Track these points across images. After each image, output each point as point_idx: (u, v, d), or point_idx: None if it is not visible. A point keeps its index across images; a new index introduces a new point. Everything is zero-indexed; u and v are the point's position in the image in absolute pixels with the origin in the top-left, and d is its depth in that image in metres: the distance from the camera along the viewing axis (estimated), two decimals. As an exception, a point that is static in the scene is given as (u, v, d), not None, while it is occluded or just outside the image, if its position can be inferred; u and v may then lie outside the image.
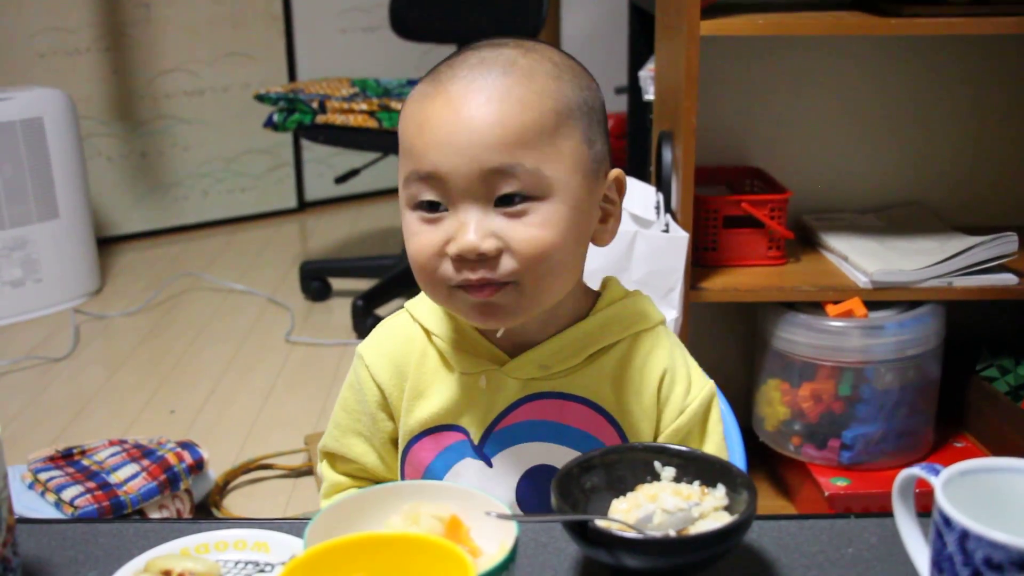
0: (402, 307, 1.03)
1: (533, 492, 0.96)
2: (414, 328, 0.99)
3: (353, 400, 1.02)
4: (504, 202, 0.86)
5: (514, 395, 0.95)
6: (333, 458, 1.04)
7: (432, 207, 0.87)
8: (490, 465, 0.96)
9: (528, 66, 0.88)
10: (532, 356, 0.94)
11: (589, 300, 0.99)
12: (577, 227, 0.89)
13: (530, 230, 0.86)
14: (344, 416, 1.03)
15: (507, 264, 0.86)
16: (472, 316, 0.90)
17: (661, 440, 0.97)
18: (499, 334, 0.94)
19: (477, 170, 0.85)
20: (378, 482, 0.98)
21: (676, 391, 0.97)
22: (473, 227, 0.85)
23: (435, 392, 0.97)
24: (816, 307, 1.88)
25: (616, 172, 0.94)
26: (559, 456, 0.95)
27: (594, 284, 1.02)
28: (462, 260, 0.86)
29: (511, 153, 0.85)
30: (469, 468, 0.97)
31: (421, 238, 0.88)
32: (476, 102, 0.85)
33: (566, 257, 0.89)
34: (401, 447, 1.00)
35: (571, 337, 0.95)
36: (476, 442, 0.96)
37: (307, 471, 2.24)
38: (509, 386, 0.95)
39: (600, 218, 0.94)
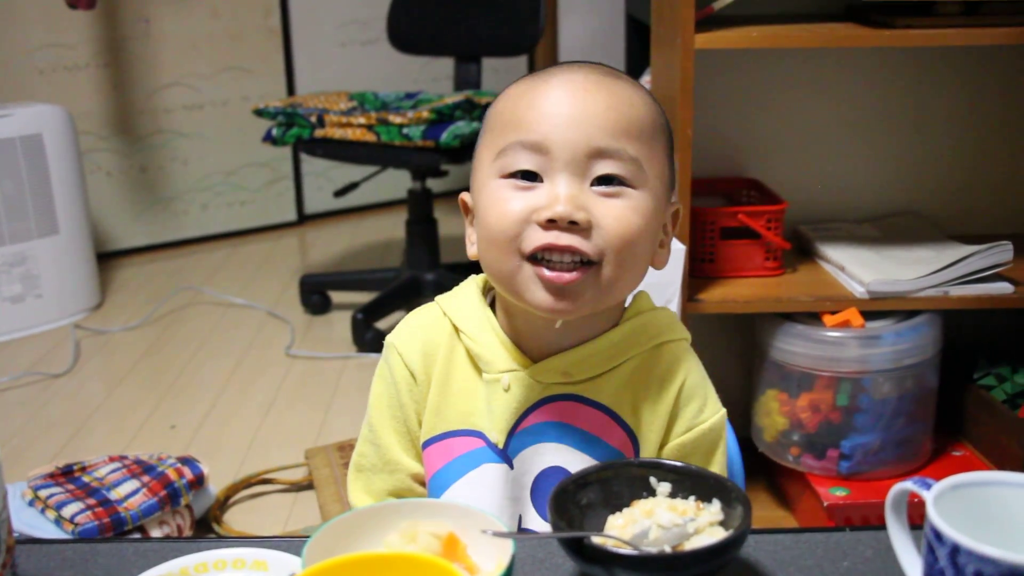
0: (432, 301, 1.03)
1: (545, 492, 0.96)
2: (444, 322, 1.00)
3: (386, 394, 1.01)
4: (601, 182, 0.89)
5: (535, 397, 0.96)
6: (369, 475, 1.02)
7: (528, 176, 0.89)
8: (512, 467, 0.97)
9: (631, 82, 0.95)
10: (557, 363, 0.95)
11: (618, 312, 0.99)
12: (655, 228, 0.93)
13: (621, 211, 0.89)
14: (379, 415, 1.02)
15: (596, 240, 0.88)
16: (539, 296, 0.90)
17: (664, 453, 0.97)
18: (557, 324, 0.93)
19: (585, 145, 0.88)
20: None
21: (690, 407, 0.97)
22: (567, 197, 0.87)
23: (460, 391, 0.98)
24: (813, 317, 1.89)
25: (677, 204, 0.99)
26: (570, 458, 0.96)
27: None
28: (550, 225, 0.87)
29: (618, 138, 0.89)
30: (488, 474, 0.97)
31: (510, 204, 0.89)
32: (590, 89, 0.91)
33: (644, 250, 0.92)
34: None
35: (598, 347, 0.96)
36: (500, 446, 0.97)
37: (308, 486, 2.25)
38: (532, 388, 0.96)
39: (660, 240, 0.97)
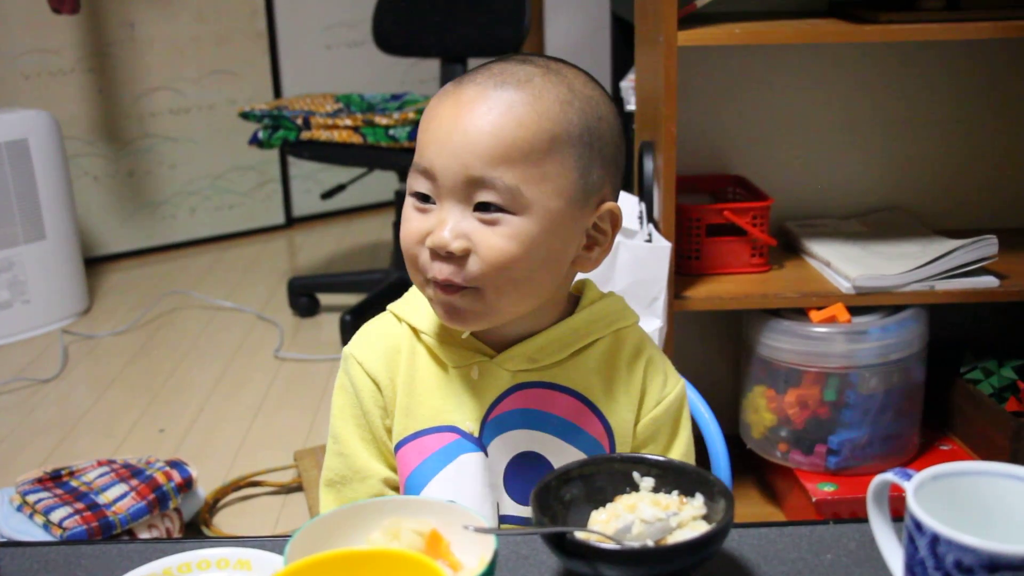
0: (384, 310, 1.05)
1: (519, 478, 0.99)
2: (400, 327, 1.03)
3: (348, 404, 1.03)
4: (480, 208, 0.90)
5: (504, 384, 0.98)
6: (340, 488, 1.03)
7: (424, 199, 0.92)
8: (486, 454, 0.98)
9: (541, 86, 0.92)
10: (521, 350, 0.98)
11: (571, 302, 1.03)
12: (548, 248, 0.92)
13: (497, 239, 0.90)
14: (343, 426, 1.03)
15: (472, 267, 0.90)
16: (439, 313, 0.95)
17: (638, 430, 1.01)
18: (464, 335, 0.98)
19: (462, 174, 0.89)
20: None
21: (656, 381, 1.02)
22: (449, 226, 0.90)
23: (429, 389, 1.00)
24: (800, 313, 1.89)
25: (610, 205, 0.97)
26: (545, 443, 0.98)
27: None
28: (435, 254, 0.91)
29: (494, 167, 0.89)
30: (466, 464, 0.98)
31: (411, 224, 0.93)
32: (478, 111, 0.90)
33: (530, 273, 0.92)
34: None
35: (558, 333, 0.99)
36: (476, 434, 0.98)
37: (297, 487, 2.25)
38: (500, 376, 0.98)
39: (585, 245, 0.97)
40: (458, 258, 0.90)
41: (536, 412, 0.98)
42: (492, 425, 0.98)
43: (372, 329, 1.05)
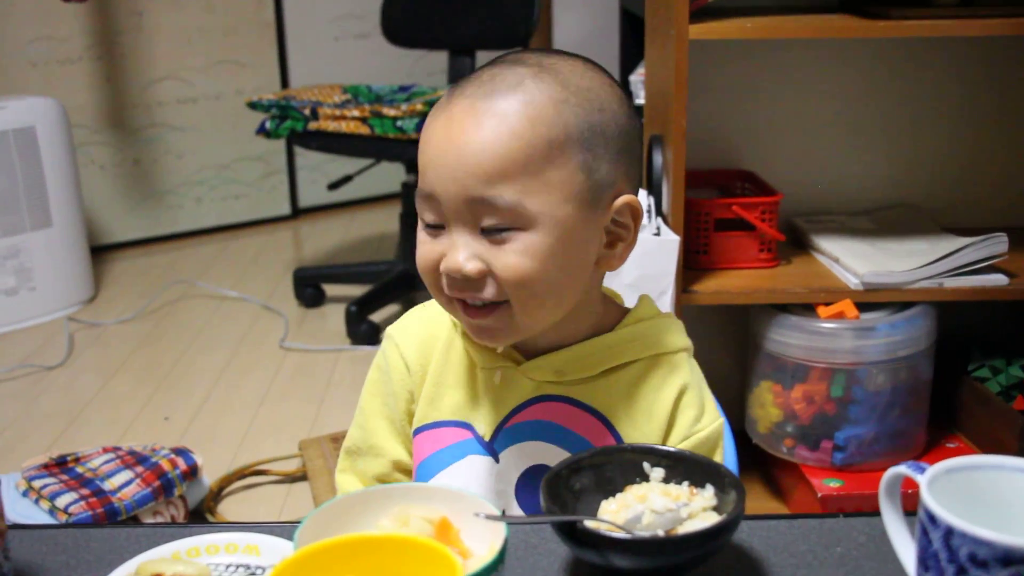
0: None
1: (530, 490, 0.98)
2: (444, 316, 1.01)
3: (380, 382, 1.04)
4: (487, 230, 0.88)
5: (527, 394, 0.97)
6: (355, 458, 1.05)
7: (433, 223, 0.90)
8: (497, 460, 0.98)
9: (533, 89, 0.88)
10: (549, 360, 0.96)
11: (613, 314, 0.99)
12: (565, 256, 0.89)
13: (511, 257, 0.87)
14: (370, 401, 1.04)
15: (491, 287, 0.89)
16: (470, 332, 0.94)
17: None
18: (499, 350, 0.97)
19: (464, 196, 0.87)
20: None
21: (686, 415, 0.97)
22: (460, 250, 0.88)
23: (456, 383, 1.00)
24: (808, 309, 1.89)
25: (627, 198, 0.92)
26: (560, 458, 0.95)
27: (627, 296, 1.04)
28: (451, 278, 0.89)
29: (492, 185, 0.86)
30: (474, 465, 0.98)
31: (424, 248, 0.91)
32: (468, 128, 0.87)
33: (552, 285, 0.90)
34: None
35: (590, 348, 0.96)
36: (487, 438, 0.98)
37: (301, 477, 2.25)
38: (523, 385, 0.97)
39: (607, 243, 0.94)
40: (476, 280, 0.88)
41: (555, 426, 0.97)
42: (508, 432, 0.97)
43: (417, 313, 1.05)
